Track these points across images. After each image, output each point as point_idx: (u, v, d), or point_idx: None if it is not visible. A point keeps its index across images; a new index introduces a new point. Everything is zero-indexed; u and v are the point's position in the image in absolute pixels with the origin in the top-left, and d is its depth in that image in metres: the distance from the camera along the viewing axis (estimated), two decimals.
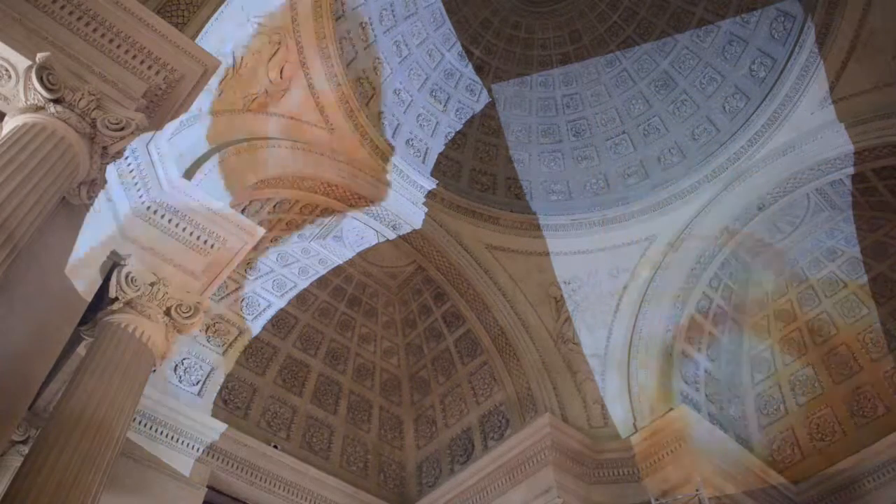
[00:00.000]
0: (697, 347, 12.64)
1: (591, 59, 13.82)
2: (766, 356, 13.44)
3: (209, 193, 8.20)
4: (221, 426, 10.67)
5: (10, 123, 5.87)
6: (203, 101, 8.64)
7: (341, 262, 13.21)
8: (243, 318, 12.52)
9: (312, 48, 10.65)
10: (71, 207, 6.53)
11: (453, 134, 13.63)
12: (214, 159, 9.01)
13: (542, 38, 13.98)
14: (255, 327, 12.61)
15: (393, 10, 12.35)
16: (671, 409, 10.89)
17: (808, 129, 11.42)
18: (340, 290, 13.61)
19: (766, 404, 13.15)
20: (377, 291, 13.91)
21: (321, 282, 13.26)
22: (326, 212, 12.09)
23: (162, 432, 10.08)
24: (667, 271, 12.50)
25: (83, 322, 6.85)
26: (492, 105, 13.93)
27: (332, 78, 11.17)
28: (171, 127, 7.88)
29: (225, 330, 12.21)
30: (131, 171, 7.27)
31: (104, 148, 6.28)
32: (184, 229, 7.73)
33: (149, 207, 7.53)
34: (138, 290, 6.95)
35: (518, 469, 10.86)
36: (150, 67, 6.87)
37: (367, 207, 12.16)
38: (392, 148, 12.52)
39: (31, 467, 5.38)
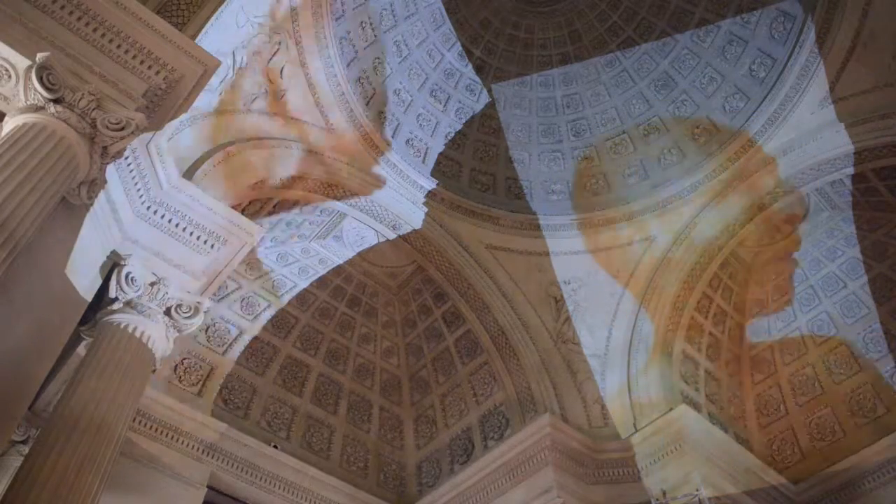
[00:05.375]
0: (697, 347, 12.63)
1: (591, 59, 13.80)
2: (766, 356, 13.44)
3: (209, 193, 8.22)
4: (221, 426, 10.66)
5: (10, 123, 5.87)
6: (203, 101, 8.65)
7: (341, 262, 13.21)
8: (244, 317, 12.53)
9: (312, 48, 10.66)
10: (71, 207, 6.53)
11: (453, 134, 13.62)
12: (214, 159, 9.02)
13: (542, 38, 13.97)
14: (255, 327, 12.61)
15: (393, 11, 12.34)
16: (671, 409, 10.87)
17: (808, 129, 11.42)
18: (340, 290, 13.61)
19: (766, 404, 13.15)
20: (377, 291, 13.91)
21: (321, 282, 13.26)
22: (326, 211, 12.10)
23: (162, 432, 10.06)
24: (667, 271, 12.51)
25: (83, 322, 6.87)
26: (492, 105, 13.92)
27: (332, 78, 11.18)
28: (171, 127, 7.88)
29: (225, 330, 12.21)
30: (131, 171, 7.27)
31: (104, 148, 6.28)
32: (184, 229, 7.75)
33: (149, 207, 7.55)
34: (138, 290, 6.97)
35: (518, 469, 10.85)
36: (150, 67, 6.87)
37: (366, 207, 12.16)
38: (391, 148, 12.52)
39: (31, 467, 5.39)
